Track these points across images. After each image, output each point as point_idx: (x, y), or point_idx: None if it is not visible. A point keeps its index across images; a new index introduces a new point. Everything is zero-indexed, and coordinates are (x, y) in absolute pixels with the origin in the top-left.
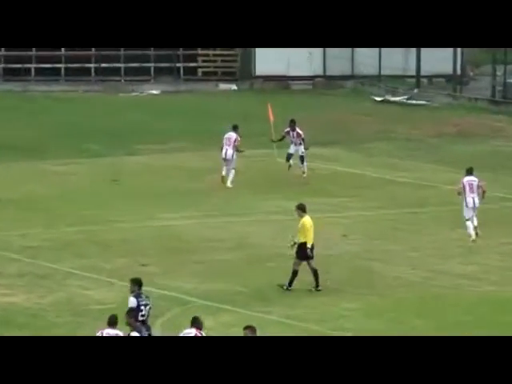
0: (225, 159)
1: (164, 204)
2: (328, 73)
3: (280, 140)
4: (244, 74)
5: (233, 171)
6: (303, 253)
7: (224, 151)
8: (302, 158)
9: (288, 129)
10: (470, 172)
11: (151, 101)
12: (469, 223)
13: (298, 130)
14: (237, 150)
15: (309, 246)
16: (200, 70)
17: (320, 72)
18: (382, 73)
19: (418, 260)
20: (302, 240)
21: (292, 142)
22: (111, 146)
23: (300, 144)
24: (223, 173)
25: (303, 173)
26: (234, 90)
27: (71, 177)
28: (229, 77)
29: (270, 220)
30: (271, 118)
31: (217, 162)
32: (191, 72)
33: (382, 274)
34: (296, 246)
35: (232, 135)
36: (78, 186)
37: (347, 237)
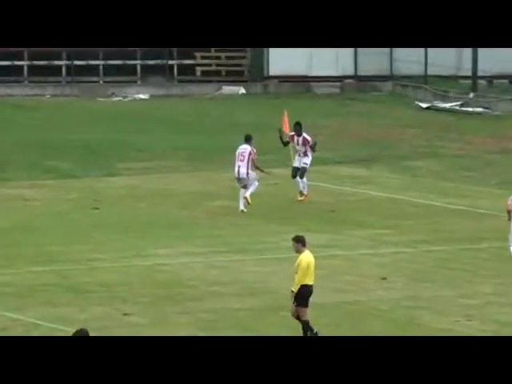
0: (238, 179)
1: (153, 237)
2: (360, 72)
3: (285, 145)
4: (255, 73)
5: (255, 184)
6: (302, 297)
7: (236, 169)
8: (302, 171)
9: (293, 133)
10: None
11: (137, 108)
12: None
13: (305, 135)
14: (256, 167)
15: (294, 289)
16: (199, 69)
17: (350, 72)
18: (429, 73)
19: (476, 309)
20: (302, 282)
21: (297, 152)
22: (86, 165)
23: (305, 155)
24: (241, 206)
25: (300, 194)
26: (242, 93)
27: (36, 203)
28: (235, 77)
29: (288, 258)
30: (286, 129)
31: (219, 186)
32: (188, 71)
33: (429, 326)
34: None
35: (245, 148)
36: (46, 215)
37: (386, 280)
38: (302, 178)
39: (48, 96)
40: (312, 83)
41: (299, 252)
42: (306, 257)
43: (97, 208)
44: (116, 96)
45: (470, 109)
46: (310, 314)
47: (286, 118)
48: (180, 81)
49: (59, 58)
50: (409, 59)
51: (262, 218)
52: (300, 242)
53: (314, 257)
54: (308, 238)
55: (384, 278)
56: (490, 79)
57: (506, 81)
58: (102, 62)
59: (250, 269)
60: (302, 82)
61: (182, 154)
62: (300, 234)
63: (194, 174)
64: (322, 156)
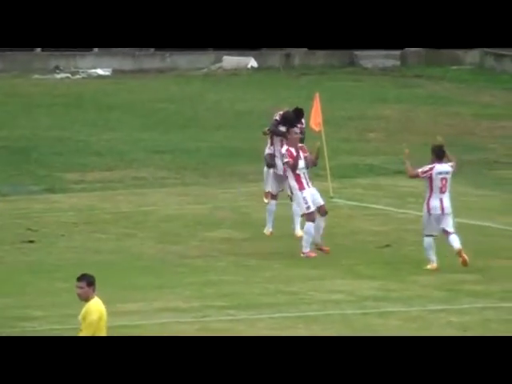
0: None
1: (118, 286)
2: None
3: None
4: None
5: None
6: None
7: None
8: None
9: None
10: None
11: (93, 89)
12: None
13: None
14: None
15: None
16: None
17: None
18: None
19: None
20: None
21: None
22: (14, 176)
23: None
24: (269, 228)
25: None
26: (253, 67)
27: None
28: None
29: (323, 317)
30: (317, 121)
31: (218, 208)
32: None
33: None
34: None
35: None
36: None
37: None
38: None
39: None
40: (358, 52)
41: (87, 299)
42: (97, 305)
43: (32, 241)
44: (61, 71)
45: None
46: None
47: (318, 106)
48: (159, 48)
49: None
50: None
51: (283, 257)
52: (91, 284)
53: (361, 314)
54: (349, 285)
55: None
56: None
57: None
58: None
59: (262, 333)
60: (342, 50)
61: (162, 160)
62: (347, 279)
63: (181, 191)
64: (371, 162)
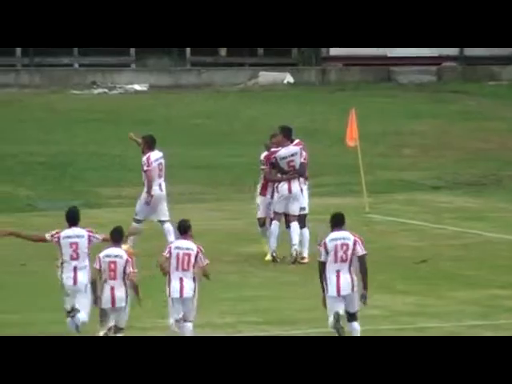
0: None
1: (154, 300)
2: (467, 52)
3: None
4: (307, 53)
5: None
6: None
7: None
8: (302, 217)
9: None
10: None
11: (130, 104)
12: None
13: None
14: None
15: None
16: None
17: (452, 50)
18: None
19: None
20: None
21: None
22: (52, 192)
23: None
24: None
25: (297, 256)
26: (289, 83)
27: None
28: (278, 59)
29: (363, 332)
30: (353, 135)
31: (253, 223)
32: (206, 50)
33: None
34: None
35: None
36: None
37: None
38: (304, 227)
39: None
40: (394, 68)
41: None
42: None
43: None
44: (98, 87)
45: None
46: None
47: (354, 121)
48: (195, 63)
49: None
50: None
51: (318, 273)
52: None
53: (396, 330)
54: (385, 301)
55: None
56: None
57: None
58: None
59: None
60: (378, 66)
61: (198, 176)
62: (383, 294)
63: (216, 206)
64: (407, 178)
